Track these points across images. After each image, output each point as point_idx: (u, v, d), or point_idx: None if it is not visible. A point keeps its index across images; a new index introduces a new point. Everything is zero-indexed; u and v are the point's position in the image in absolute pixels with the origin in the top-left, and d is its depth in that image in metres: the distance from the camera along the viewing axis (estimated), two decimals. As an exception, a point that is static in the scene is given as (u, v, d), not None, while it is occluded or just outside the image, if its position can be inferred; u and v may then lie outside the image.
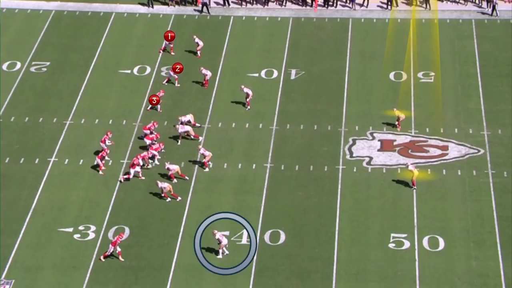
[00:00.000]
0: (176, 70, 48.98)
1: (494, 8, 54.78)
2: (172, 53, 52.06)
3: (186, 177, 43.24)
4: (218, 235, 38.71)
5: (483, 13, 55.55)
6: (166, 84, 49.52)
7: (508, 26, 54.24)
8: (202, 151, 43.80)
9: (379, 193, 42.43)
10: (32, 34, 54.36)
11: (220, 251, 38.89)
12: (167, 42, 51.97)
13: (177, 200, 42.04)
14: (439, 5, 56.45)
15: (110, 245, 38.60)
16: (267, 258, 38.99)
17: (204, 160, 43.87)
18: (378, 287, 37.68)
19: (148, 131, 44.92)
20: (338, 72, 50.81)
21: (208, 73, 49.50)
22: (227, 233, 40.12)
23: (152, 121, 45.50)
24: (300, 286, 37.81)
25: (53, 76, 50.88)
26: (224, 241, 38.76)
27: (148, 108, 47.69)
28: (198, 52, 51.99)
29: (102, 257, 38.79)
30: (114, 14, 56.21)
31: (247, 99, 47.77)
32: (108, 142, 44.55)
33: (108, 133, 44.80)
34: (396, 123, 46.06)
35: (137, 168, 43.03)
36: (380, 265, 38.63)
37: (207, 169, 43.82)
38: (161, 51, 52.25)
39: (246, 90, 47.77)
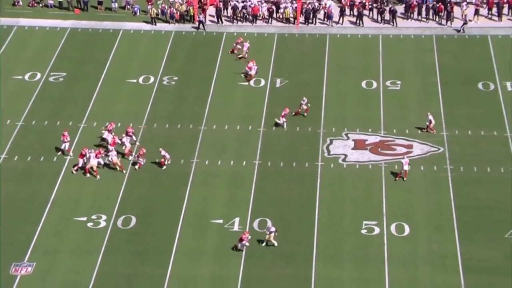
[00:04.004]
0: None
1: (463, 25, 54.71)
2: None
3: (124, 170, 43.13)
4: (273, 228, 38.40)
5: (442, 28, 55.71)
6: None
7: (464, 41, 54.39)
8: (163, 153, 43.40)
9: (353, 186, 42.52)
10: (51, 48, 54.28)
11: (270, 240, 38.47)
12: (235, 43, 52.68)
13: (96, 177, 42.43)
14: (404, 22, 56.60)
15: (239, 241, 38.09)
16: (256, 243, 39.01)
17: (162, 160, 43.45)
18: (352, 267, 37.80)
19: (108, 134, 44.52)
20: (317, 81, 50.88)
21: (254, 67, 50.25)
22: (221, 221, 40.22)
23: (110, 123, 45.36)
24: (284, 267, 37.89)
25: (69, 85, 50.82)
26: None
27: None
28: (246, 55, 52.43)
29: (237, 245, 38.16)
30: (122, 31, 56.17)
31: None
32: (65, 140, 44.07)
33: (65, 132, 44.34)
34: (428, 124, 45.37)
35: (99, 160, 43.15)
36: (353, 248, 38.73)
37: (164, 167, 43.49)
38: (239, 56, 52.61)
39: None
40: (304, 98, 47.45)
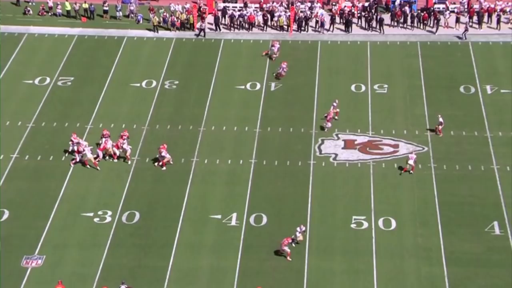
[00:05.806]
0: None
1: (465, 31, 54.51)
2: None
3: (98, 168, 43.05)
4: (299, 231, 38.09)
5: (426, 35, 55.66)
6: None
7: (446, 47, 54.40)
8: (163, 153, 43.28)
9: (343, 183, 42.47)
10: (59, 54, 54.11)
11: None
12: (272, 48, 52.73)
13: (97, 169, 42.68)
14: (391, 29, 56.58)
15: (282, 245, 37.47)
16: (252, 237, 38.97)
17: (163, 161, 43.20)
18: (342, 260, 37.78)
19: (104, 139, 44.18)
20: (309, 84, 50.83)
21: (284, 66, 50.67)
22: (219, 216, 40.11)
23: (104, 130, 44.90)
24: (279, 260, 37.82)
25: (76, 88, 50.67)
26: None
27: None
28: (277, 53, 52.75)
29: (286, 252, 37.45)
30: (126, 38, 56.02)
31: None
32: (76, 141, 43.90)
33: (74, 134, 44.18)
34: (439, 126, 44.97)
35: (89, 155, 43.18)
36: (344, 241, 38.69)
37: (164, 168, 43.35)
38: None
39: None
40: (336, 100, 47.10)
